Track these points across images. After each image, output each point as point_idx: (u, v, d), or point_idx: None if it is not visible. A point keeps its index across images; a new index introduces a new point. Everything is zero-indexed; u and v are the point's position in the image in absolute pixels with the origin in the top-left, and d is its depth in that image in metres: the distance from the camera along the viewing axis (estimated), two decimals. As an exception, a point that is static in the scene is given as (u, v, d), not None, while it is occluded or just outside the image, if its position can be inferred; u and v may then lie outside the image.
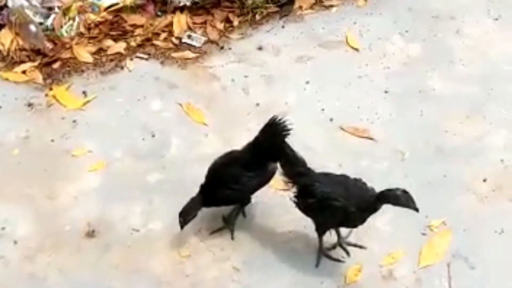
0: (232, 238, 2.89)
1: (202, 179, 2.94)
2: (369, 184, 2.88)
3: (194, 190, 2.90)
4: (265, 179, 2.88)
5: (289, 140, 3.18)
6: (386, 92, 3.45)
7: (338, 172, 3.02)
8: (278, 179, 3.04)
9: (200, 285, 2.74)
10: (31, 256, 2.84)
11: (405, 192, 2.55)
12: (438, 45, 3.64)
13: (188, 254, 2.83)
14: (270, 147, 2.80)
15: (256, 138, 2.83)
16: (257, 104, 3.38)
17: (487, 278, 2.72)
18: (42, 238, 2.91)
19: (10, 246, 2.87)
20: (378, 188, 2.98)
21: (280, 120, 2.76)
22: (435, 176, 3.07)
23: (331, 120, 3.34)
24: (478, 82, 3.44)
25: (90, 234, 2.93)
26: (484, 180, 3.04)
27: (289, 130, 2.76)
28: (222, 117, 3.36)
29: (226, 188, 2.80)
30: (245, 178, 2.80)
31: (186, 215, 2.79)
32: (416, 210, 2.55)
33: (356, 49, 3.62)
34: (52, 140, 3.27)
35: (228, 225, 2.94)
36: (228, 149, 3.10)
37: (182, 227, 2.79)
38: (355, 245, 2.82)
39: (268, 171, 2.87)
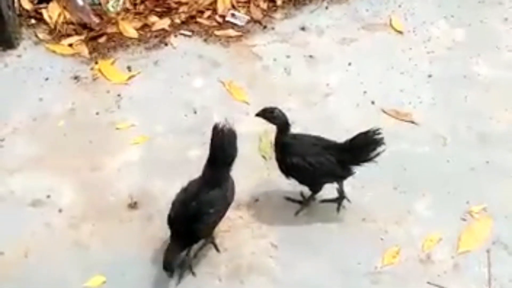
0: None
1: (241, 157, 2.99)
2: (411, 168, 2.95)
3: (236, 167, 2.93)
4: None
5: (328, 121, 3.26)
6: (429, 76, 3.43)
7: (380, 156, 3.00)
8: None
9: (237, 260, 2.79)
10: (75, 224, 2.93)
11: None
12: (484, 31, 3.60)
13: (227, 229, 2.88)
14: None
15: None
16: (299, 85, 3.42)
17: (528, 266, 2.72)
18: (86, 207, 2.99)
19: (55, 213, 2.95)
20: (421, 173, 3.02)
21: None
22: (478, 162, 3.05)
23: (372, 102, 3.34)
24: (527, 67, 3.42)
25: (133, 206, 2.99)
26: (529, 168, 3.03)
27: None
28: (264, 96, 3.38)
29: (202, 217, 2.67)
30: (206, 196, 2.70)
31: (169, 266, 2.64)
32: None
33: (400, 32, 3.60)
34: (97, 113, 3.34)
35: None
36: (268, 128, 3.14)
37: (171, 276, 2.67)
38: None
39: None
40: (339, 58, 3.50)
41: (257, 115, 2.86)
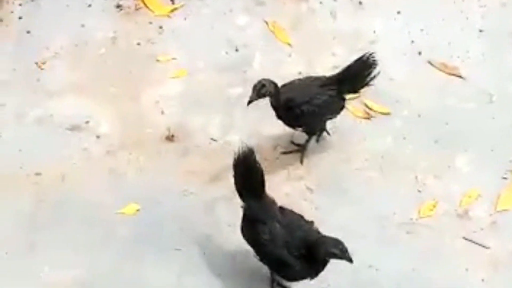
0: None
1: None
2: (454, 123, 2.91)
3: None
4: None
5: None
6: (480, 31, 3.32)
7: (423, 109, 3.01)
8: (358, 108, 3.05)
9: (273, 200, 2.80)
10: (112, 151, 2.93)
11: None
12: (541, -12, 3.48)
13: (264, 168, 2.87)
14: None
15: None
16: (344, 30, 3.34)
17: None
18: (124, 136, 2.98)
19: (93, 139, 2.95)
20: (464, 128, 2.97)
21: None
22: (524, 121, 3.01)
23: (419, 53, 3.25)
24: None
25: (170, 138, 2.98)
26: None
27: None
28: (307, 39, 3.31)
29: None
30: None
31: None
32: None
33: (453, -15, 3.50)
34: (138, 44, 3.30)
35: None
36: (310, 71, 3.11)
37: None
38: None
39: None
40: (388, 6, 3.39)
41: (250, 102, 2.73)
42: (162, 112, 3.04)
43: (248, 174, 2.48)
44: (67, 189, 2.79)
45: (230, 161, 2.89)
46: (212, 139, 2.98)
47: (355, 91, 2.84)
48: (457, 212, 2.74)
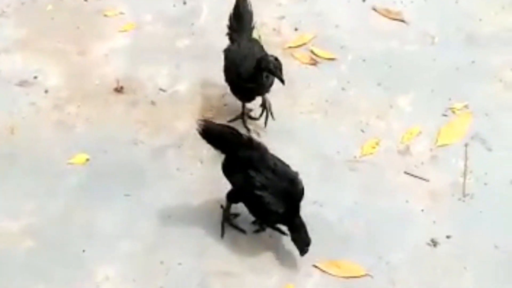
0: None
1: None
2: (397, 66, 2.99)
3: (221, 59, 2.99)
4: None
5: (319, 19, 3.28)
6: (424, -23, 3.44)
7: (367, 54, 3.11)
8: (304, 54, 3.13)
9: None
10: (60, 105, 2.99)
11: (276, 59, 2.63)
12: None
13: (211, 116, 2.94)
14: None
15: None
16: (291, -19, 3.42)
17: (504, 159, 2.79)
18: (71, 90, 3.05)
19: (41, 94, 3.01)
20: (406, 70, 3.08)
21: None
22: (463, 62, 3.10)
23: (363, 0, 3.36)
24: (522, -27, 3.41)
25: (119, 90, 3.05)
26: (513, 69, 3.09)
27: None
28: (255, -10, 3.40)
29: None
30: None
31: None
32: (282, 81, 2.62)
33: None
34: (86, 0, 3.37)
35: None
36: (257, 20, 3.15)
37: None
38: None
39: None
40: (334, -44, 3.51)
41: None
42: (110, 65, 3.12)
43: (222, 140, 2.54)
44: (16, 142, 2.85)
45: (178, 110, 3.04)
46: (160, 89, 3.06)
47: None
48: (399, 149, 2.85)
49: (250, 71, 2.75)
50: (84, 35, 3.24)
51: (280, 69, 2.68)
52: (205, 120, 2.61)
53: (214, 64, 3.03)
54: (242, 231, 2.63)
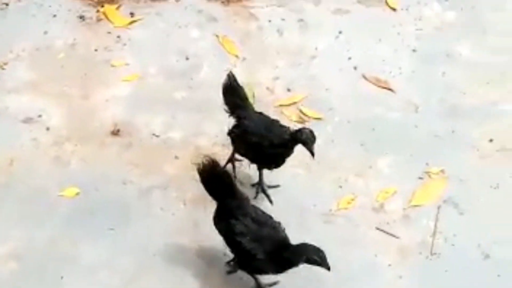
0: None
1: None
2: (380, 130, 3.18)
3: (215, 112, 3.23)
4: None
5: (312, 82, 3.51)
6: (413, 51, 3.65)
7: (353, 116, 3.31)
8: (293, 112, 3.32)
9: (205, 190, 3.02)
10: (59, 142, 3.22)
11: (311, 132, 2.78)
12: (475, 16, 3.81)
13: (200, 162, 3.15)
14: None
15: None
16: (288, 46, 3.67)
17: (474, 224, 2.93)
18: (71, 129, 3.29)
19: (43, 131, 3.25)
20: (388, 134, 3.27)
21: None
22: (444, 131, 3.28)
23: (355, 68, 3.58)
24: (507, 53, 3.60)
25: (115, 132, 3.28)
26: (491, 141, 3.23)
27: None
28: (254, 52, 3.65)
29: None
30: None
31: None
32: (312, 154, 2.76)
33: (394, 9, 3.82)
34: (96, 50, 3.64)
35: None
36: (252, 79, 3.42)
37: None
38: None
39: None
40: (330, 26, 3.75)
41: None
42: (110, 110, 3.36)
43: (217, 181, 2.71)
44: (14, 172, 3.07)
45: (169, 155, 3.24)
46: (154, 134, 3.28)
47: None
48: (373, 206, 3.01)
49: (282, 137, 2.88)
50: (89, 82, 3.50)
51: (313, 142, 2.83)
52: (210, 158, 2.73)
53: (208, 116, 3.30)
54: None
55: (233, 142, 3.07)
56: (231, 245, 2.72)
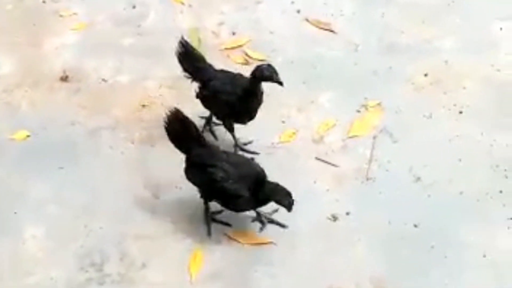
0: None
1: (171, 50, 3.29)
2: (321, 68, 3.33)
3: (162, 56, 3.36)
4: None
5: (256, 25, 3.64)
6: (352, -7, 3.83)
7: (296, 56, 3.45)
8: (238, 55, 3.43)
9: (152, 129, 3.15)
10: (9, 89, 3.33)
11: (269, 65, 2.86)
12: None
13: (146, 104, 3.28)
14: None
15: None
16: (233, -9, 3.80)
17: (406, 151, 3.10)
18: (21, 76, 3.39)
19: (-8, 79, 3.38)
20: (329, 72, 3.42)
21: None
22: (382, 67, 3.44)
23: (298, 11, 3.72)
24: (441, -7, 3.80)
25: (64, 78, 3.39)
26: (425, 75, 3.40)
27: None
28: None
29: None
30: None
31: None
32: (280, 83, 2.84)
33: (334, -42, 3.98)
34: (44, 1, 3.73)
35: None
36: (199, 25, 3.53)
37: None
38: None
39: None
40: (274, -28, 3.90)
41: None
42: (59, 58, 3.46)
43: (184, 130, 2.79)
44: (-36, 118, 3.18)
45: (117, 98, 3.36)
46: (102, 79, 3.40)
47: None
48: (314, 138, 3.16)
49: (248, 87, 2.93)
50: (38, 32, 3.60)
51: (276, 73, 2.88)
52: (176, 109, 2.78)
53: (155, 61, 3.42)
54: (228, 224, 2.84)
55: (204, 104, 3.10)
56: (212, 192, 2.79)
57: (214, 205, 2.89)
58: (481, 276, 2.72)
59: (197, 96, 3.10)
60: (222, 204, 2.83)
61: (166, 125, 2.81)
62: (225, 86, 3.01)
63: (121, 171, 3.03)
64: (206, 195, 2.84)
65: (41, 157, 3.06)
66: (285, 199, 2.71)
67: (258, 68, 2.92)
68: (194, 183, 2.83)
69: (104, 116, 3.24)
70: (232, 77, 3.06)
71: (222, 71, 3.13)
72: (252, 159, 2.97)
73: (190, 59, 3.08)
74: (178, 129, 2.80)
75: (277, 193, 2.72)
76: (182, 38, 3.08)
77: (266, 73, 2.89)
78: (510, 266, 2.74)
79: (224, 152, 2.85)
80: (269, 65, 2.92)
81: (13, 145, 3.10)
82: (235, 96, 2.96)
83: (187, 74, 3.10)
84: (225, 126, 3.08)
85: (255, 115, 3.02)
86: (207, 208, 2.86)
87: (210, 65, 3.12)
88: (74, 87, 3.37)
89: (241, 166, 2.78)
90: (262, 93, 2.98)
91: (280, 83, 2.88)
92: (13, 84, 3.35)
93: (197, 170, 2.80)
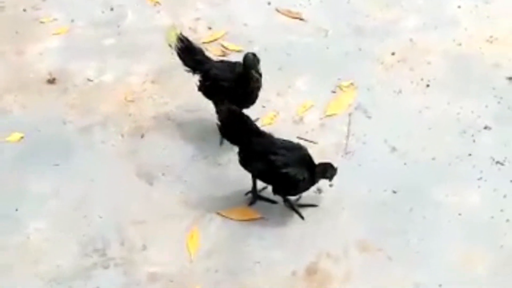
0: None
1: (152, 46, 3.55)
2: (295, 54, 3.52)
3: (143, 54, 3.55)
4: None
5: (230, 19, 3.82)
6: (320, -16, 4.04)
7: (270, 45, 3.65)
8: (216, 47, 3.63)
9: (140, 122, 3.35)
10: (-1, 94, 3.51)
11: (254, 55, 3.03)
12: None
13: (132, 99, 3.45)
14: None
15: None
16: (205, -11, 3.99)
17: (380, 125, 3.33)
18: (9, 82, 3.55)
19: (-19, 87, 3.52)
20: (303, 57, 3.62)
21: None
22: (352, 49, 3.67)
23: (268, 3, 3.93)
24: (401, -22, 4.04)
25: (51, 81, 3.55)
26: (393, 54, 3.64)
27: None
28: (174, -1, 3.97)
29: None
30: None
31: None
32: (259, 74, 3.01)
33: None
34: (24, 10, 3.88)
35: None
36: (176, 22, 3.70)
37: None
38: None
39: None
40: (244, -32, 4.10)
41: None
42: (44, 62, 3.62)
43: (242, 124, 2.92)
44: (-42, 124, 3.32)
45: (104, 95, 3.52)
46: (88, 79, 3.56)
47: None
48: (294, 119, 3.38)
49: (242, 72, 3.07)
50: (21, 39, 3.75)
51: (258, 61, 3.04)
52: (229, 105, 2.91)
53: (136, 58, 3.61)
54: (274, 202, 3.00)
55: (207, 94, 3.24)
56: (272, 179, 2.93)
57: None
58: (457, 232, 2.96)
59: (200, 89, 3.26)
60: (282, 190, 2.95)
61: (222, 123, 2.93)
62: (225, 74, 3.18)
63: (114, 163, 3.20)
64: (268, 182, 2.96)
65: (36, 156, 3.21)
66: (334, 173, 2.91)
67: (244, 56, 3.07)
68: (253, 171, 2.95)
69: (93, 113, 3.41)
70: (232, 65, 3.24)
71: (221, 61, 3.32)
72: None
73: (190, 53, 3.25)
74: (236, 123, 2.93)
75: (327, 170, 2.92)
76: (181, 34, 3.26)
77: (250, 61, 3.05)
78: (482, 221, 2.99)
79: (277, 138, 2.99)
80: (253, 54, 3.08)
81: (8, 147, 3.25)
82: (235, 82, 3.11)
83: (187, 68, 3.25)
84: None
85: (256, 98, 3.18)
86: (255, 187, 2.98)
87: (208, 57, 3.29)
88: (62, 88, 3.53)
89: (295, 150, 2.95)
90: (260, 75, 3.12)
91: (260, 74, 3.05)
92: (2, 89, 3.51)
93: (257, 159, 2.92)
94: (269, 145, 2.95)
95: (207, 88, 3.25)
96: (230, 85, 3.14)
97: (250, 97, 3.18)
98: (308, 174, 2.92)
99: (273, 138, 2.99)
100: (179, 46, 3.22)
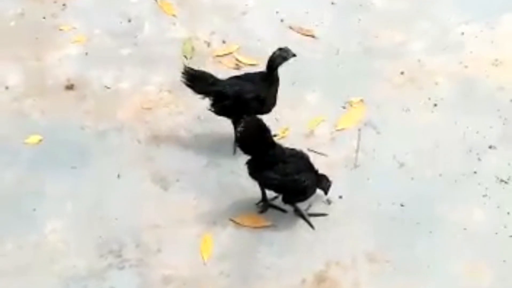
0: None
1: (168, 58, 3.65)
2: (307, 70, 3.65)
3: (159, 64, 3.65)
4: None
5: (244, 34, 3.94)
6: (332, 4, 4.14)
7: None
8: (230, 60, 3.74)
9: (156, 129, 3.45)
10: (19, 98, 3.58)
11: (280, 49, 3.18)
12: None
13: (149, 107, 3.55)
14: None
15: None
16: (221, 3, 4.08)
17: (389, 140, 3.44)
18: (29, 87, 3.65)
19: (1, 90, 3.60)
20: (315, 74, 3.73)
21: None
22: (362, 68, 3.79)
23: (282, 20, 4.05)
24: (410, 1, 4.14)
25: (69, 87, 3.65)
26: (402, 73, 3.76)
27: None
28: (190, 12, 4.07)
29: None
30: None
31: None
32: (294, 55, 3.15)
33: (312, -31, 4.32)
34: (44, 18, 3.98)
35: None
36: (191, 35, 3.81)
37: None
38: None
39: None
40: (259, -15, 4.22)
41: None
42: (63, 68, 3.72)
43: (263, 136, 3.00)
44: (-21, 125, 3.41)
45: (121, 102, 3.62)
46: (106, 86, 3.66)
47: None
48: (305, 133, 3.48)
49: (267, 77, 3.20)
50: (41, 45, 3.85)
51: (288, 52, 3.16)
52: (255, 117, 3.00)
53: (153, 68, 3.72)
54: (284, 211, 3.10)
55: (225, 113, 3.28)
56: (283, 187, 3.03)
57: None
58: (462, 246, 3.06)
59: (216, 112, 3.28)
60: (293, 197, 3.04)
61: (245, 132, 2.99)
62: (245, 86, 3.26)
63: (130, 168, 3.29)
64: (278, 191, 3.06)
65: (54, 158, 3.31)
66: (329, 185, 3.05)
67: (271, 57, 3.20)
68: (265, 180, 3.03)
69: (110, 119, 3.50)
70: (244, 77, 3.33)
71: (230, 78, 3.36)
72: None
73: (198, 82, 3.31)
74: (258, 134, 3.00)
75: (322, 181, 3.05)
76: (184, 67, 3.29)
77: (279, 59, 3.18)
78: (486, 236, 3.10)
79: (285, 147, 3.10)
80: (280, 49, 3.19)
81: (27, 149, 3.34)
82: (259, 90, 3.19)
83: (201, 96, 3.29)
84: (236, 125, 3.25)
85: (276, 101, 3.29)
86: (264, 196, 3.08)
87: (217, 78, 3.32)
88: (80, 95, 3.63)
89: (299, 159, 3.06)
90: (278, 79, 3.26)
91: (294, 55, 3.17)
92: (22, 94, 3.60)
93: (268, 168, 3.01)
94: (280, 154, 3.07)
95: (226, 107, 3.28)
96: (254, 95, 3.22)
97: (274, 100, 3.23)
98: (313, 179, 3.05)
99: (282, 148, 3.11)
100: (184, 79, 3.26)
